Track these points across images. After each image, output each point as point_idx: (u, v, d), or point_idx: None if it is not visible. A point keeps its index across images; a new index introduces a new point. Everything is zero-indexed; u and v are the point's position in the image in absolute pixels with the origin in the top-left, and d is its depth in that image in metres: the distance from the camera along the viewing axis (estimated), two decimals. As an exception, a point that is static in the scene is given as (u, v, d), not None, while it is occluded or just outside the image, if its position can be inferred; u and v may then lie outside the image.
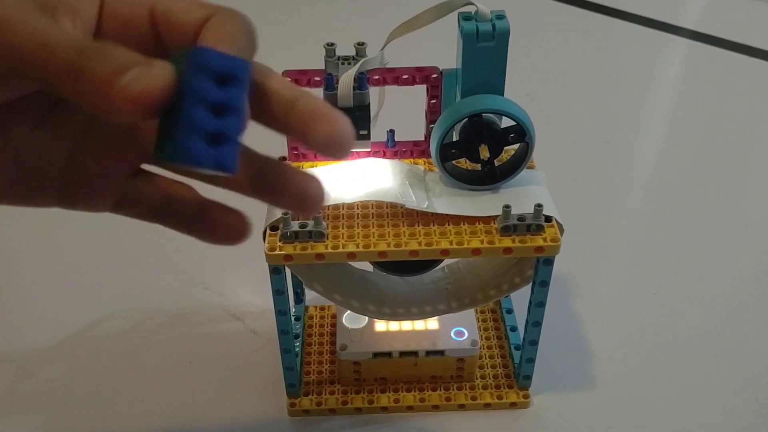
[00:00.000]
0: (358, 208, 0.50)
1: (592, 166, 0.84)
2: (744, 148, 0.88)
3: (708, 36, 1.10)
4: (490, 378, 0.58)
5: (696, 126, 0.92)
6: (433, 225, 0.49)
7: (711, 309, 0.66)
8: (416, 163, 0.53)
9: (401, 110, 0.57)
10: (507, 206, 0.47)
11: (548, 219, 0.48)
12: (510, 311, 0.63)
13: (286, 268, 0.49)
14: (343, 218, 0.49)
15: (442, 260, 0.54)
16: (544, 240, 0.47)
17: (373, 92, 0.51)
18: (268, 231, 0.48)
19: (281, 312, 0.51)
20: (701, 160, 0.85)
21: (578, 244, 0.72)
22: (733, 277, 0.69)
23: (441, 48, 0.57)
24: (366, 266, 0.55)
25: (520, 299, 0.59)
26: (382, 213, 0.50)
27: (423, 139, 0.53)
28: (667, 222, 0.76)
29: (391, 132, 0.53)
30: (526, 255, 0.48)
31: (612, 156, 0.86)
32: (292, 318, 0.62)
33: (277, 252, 0.47)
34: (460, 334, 0.56)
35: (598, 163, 0.85)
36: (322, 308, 0.64)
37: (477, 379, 0.58)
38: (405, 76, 0.50)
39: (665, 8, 1.18)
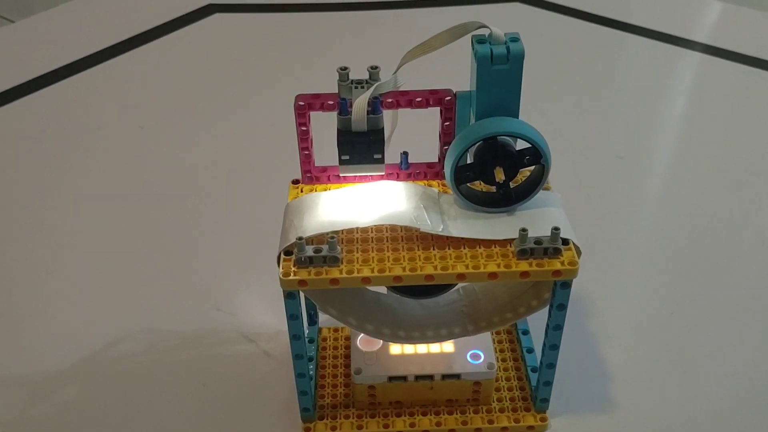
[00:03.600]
0: (372, 232, 0.50)
1: (605, 181, 0.83)
2: (758, 162, 0.87)
3: (721, 50, 1.10)
4: (506, 401, 0.57)
5: (709, 140, 0.91)
6: (449, 248, 0.48)
7: (730, 326, 0.65)
8: (430, 185, 0.53)
9: (414, 132, 0.57)
10: (524, 230, 0.46)
11: (565, 242, 0.47)
12: (526, 332, 0.62)
13: (300, 292, 0.49)
14: (357, 242, 0.49)
15: (457, 283, 0.54)
16: (562, 263, 0.46)
17: (387, 114, 0.51)
18: (282, 256, 0.48)
19: (296, 337, 0.50)
20: (715, 175, 0.84)
21: (593, 263, 0.71)
22: (751, 294, 0.68)
23: (454, 70, 0.57)
24: (380, 288, 0.55)
25: (536, 320, 0.58)
26: (396, 237, 0.49)
27: (437, 160, 0.53)
28: (683, 238, 0.75)
29: (405, 154, 0.53)
30: (544, 279, 0.47)
31: (625, 171, 0.85)
32: (306, 339, 0.62)
33: (291, 277, 0.46)
34: (476, 357, 0.56)
35: (611, 178, 0.84)
36: (336, 330, 0.64)
37: (494, 402, 0.57)
38: (419, 99, 0.49)
39: (677, 22, 1.17)
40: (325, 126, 0.54)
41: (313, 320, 0.63)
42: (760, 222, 0.77)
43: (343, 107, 0.46)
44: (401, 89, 0.49)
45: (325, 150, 0.54)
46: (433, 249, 0.48)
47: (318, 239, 0.48)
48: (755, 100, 0.99)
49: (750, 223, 0.77)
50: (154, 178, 0.86)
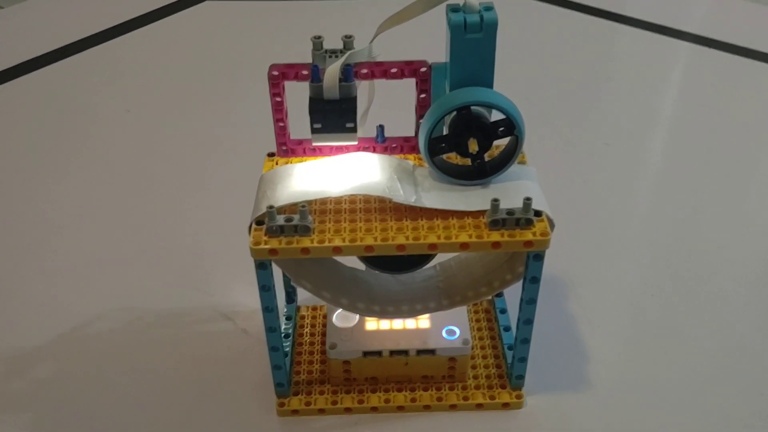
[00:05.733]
0: (345, 203, 0.49)
1: (591, 168, 0.83)
2: (743, 149, 0.87)
3: (711, 39, 1.10)
4: (482, 378, 0.57)
5: (697, 128, 0.91)
6: (422, 219, 0.48)
7: (709, 311, 0.64)
8: (406, 158, 0.52)
9: (392, 105, 0.57)
10: (496, 200, 0.46)
11: (538, 213, 0.47)
12: (504, 311, 0.62)
13: (274, 264, 0.48)
14: (330, 213, 0.49)
15: (433, 257, 0.54)
16: (534, 234, 0.46)
17: (364, 87, 0.51)
18: (253, 225, 0.47)
19: (268, 309, 0.50)
20: (701, 162, 0.84)
21: (576, 245, 0.71)
22: (732, 279, 0.68)
23: (431, 42, 0.57)
24: (359, 265, 0.54)
25: (514, 299, 0.58)
26: (369, 208, 0.49)
27: (413, 134, 0.53)
28: (666, 224, 0.75)
29: (381, 127, 0.52)
30: (515, 249, 0.47)
31: (611, 158, 0.85)
32: (283, 317, 0.62)
33: (262, 246, 0.46)
34: (451, 333, 0.55)
35: (597, 165, 0.84)
36: (314, 308, 0.63)
37: (469, 379, 0.57)
38: (393, 70, 0.49)
39: (668, 13, 1.17)
40: (302, 99, 0.54)
41: (291, 298, 0.63)
42: (743, 207, 0.77)
43: (315, 74, 0.46)
44: (377, 60, 0.49)
45: (303, 123, 0.54)
46: (406, 220, 0.48)
47: (290, 209, 0.48)
48: (743, 89, 0.99)
49: (733, 208, 0.77)
50: (137, 161, 0.85)
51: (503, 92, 0.47)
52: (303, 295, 0.62)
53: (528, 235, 0.46)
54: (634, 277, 0.68)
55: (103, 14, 1.17)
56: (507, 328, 0.60)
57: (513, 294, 0.55)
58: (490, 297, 0.56)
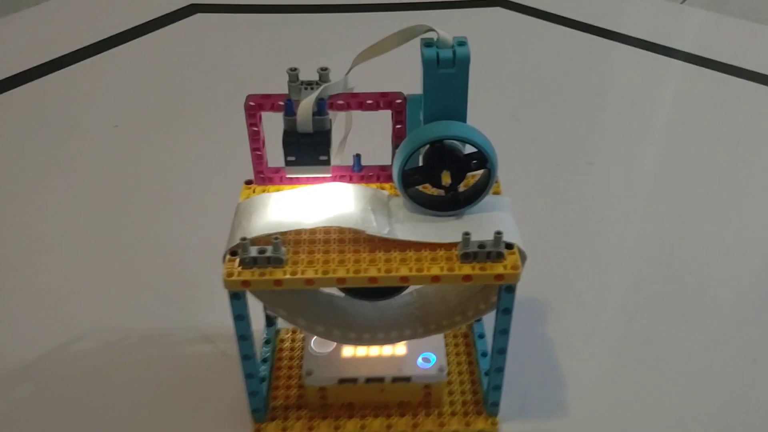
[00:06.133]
0: (320, 233, 0.50)
1: (573, 187, 0.84)
2: (729, 170, 0.87)
3: (701, 58, 1.10)
4: (459, 404, 0.57)
5: (683, 148, 0.91)
6: (395, 251, 0.48)
7: (688, 336, 0.65)
8: (382, 188, 0.53)
9: (370, 134, 0.57)
10: (467, 233, 0.46)
11: (510, 246, 0.48)
12: (482, 336, 0.62)
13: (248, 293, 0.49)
14: (304, 243, 0.49)
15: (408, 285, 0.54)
16: (505, 267, 0.47)
17: (341, 117, 0.51)
18: (227, 256, 0.48)
19: (243, 337, 0.50)
20: (686, 183, 0.85)
21: (555, 269, 0.71)
22: (711, 303, 0.68)
23: (408, 74, 0.57)
24: (338, 291, 0.55)
25: (493, 325, 0.58)
26: (343, 238, 0.49)
27: (390, 163, 0.53)
28: (646, 246, 0.75)
29: (358, 156, 0.53)
30: (486, 282, 0.47)
31: (594, 178, 0.85)
32: (261, 342, 0.62)
33: (235, 278, 0.46)
34: (427, 360, 0.56)
35: (580, 184, 0.84)
36: (294, 331, 0.64)
37: (446, 405, 0.57)
38: (369, 101, 0.50)
39: (659, 30, 1.18)
40: (280, 127, 0.54)
41: (270, 322, 0.63)
42: (724, 229, 0.77)
43: (288, 108, 0.47)
44: (353, 91, 0.49)
45: (280, 151, 0.54)
46: (379, 251, 0.48)
47: (264, 240, 0.48)
48: (732, 109, 0.99)
49: (714, 231, 0.77)
50: (123, 178, 0.86)
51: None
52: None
53: (499, 269, 0.47)
54: (614, 300, 0.69)
55: (95, 27, 1.18)
56: (485, 354, 0.60)
57: (492, 319, 0.55)
58: (464, 326, 0.57)
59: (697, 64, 1.09)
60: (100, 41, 1.14)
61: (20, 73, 1.06)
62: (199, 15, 1.22)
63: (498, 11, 1.23)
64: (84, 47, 1.13)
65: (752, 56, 1.10)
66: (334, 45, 1.09)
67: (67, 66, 1.08)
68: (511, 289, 0.48)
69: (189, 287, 0.70)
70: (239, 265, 0.47)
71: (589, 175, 0.86)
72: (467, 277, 0.47)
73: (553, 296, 0.68)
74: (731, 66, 1.08)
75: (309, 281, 0.47)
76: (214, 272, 0.71)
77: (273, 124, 0.52)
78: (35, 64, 1.08)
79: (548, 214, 0.79)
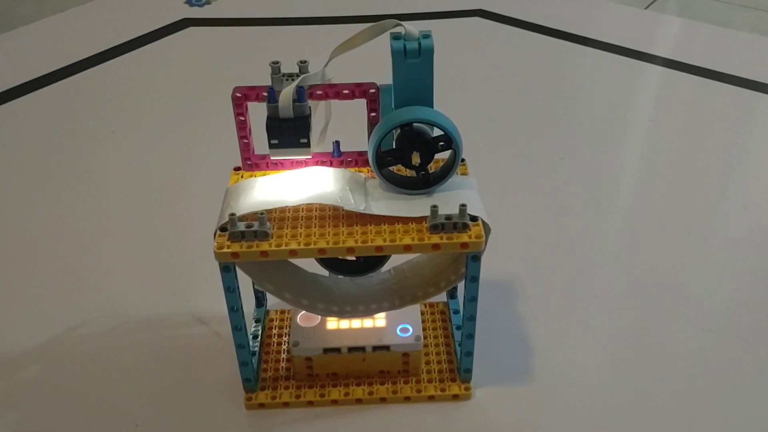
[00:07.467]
0: (302, 211, 0.55)
1: (545, 180, 0.89)
2: (698, 166, 0.92)
3: (673, 61, 1.16)
4: (435, 372, 0.62)
5: (648, 143, 0.97)
6: (370, 225, 0.53)
7: (649, 310, 0.70)
8: (360, 172, 0.58)
9: (348, 122, 0.62)
10: (434, 206, 0.51)
11: (474, 219, 0.52)
12: (457, 311, 0.67)
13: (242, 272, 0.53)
14: (288, 220, 0.54)
15: (386, 260, 0.59)
16: (469, 237, 0.51)
17: (322, 107, 0.56)
18: (218, 232, 0.52)
19: (233, 308, 0.55)
20: (647, 175, 0.90)
21: (528, 253, 0.76)
22: (673, 281, 0.73)
23: (381, 66, 0.62)
24: (323, 271, 0.60)
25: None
26: (324, 215, 0.54)
27: (366, 149, 0.58)
28: (611, 229, 0.80)
29: (337, 143, 0.58)
30: (453, 250, 0.52)
31: (564, 171, 0.90)
32: (253, 320, 0.67)
33: (225, 250, 0.51)
34: (405, 330, 0.60)
35: (552, 177, 0.89)
36: (282, 312, 0.68)
37: (423, 373, 0.62)
38: (345, 91, 0.55)
39: (632, 35, 1.23)
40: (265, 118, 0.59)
41: (260, 302, 0.68)
42: (683, 218, 0.83)
43: (271, 96, 0.52)
44: (331, 82, 0.54)
45: (266, 140, 0.59)
46: (356, 225, 0.53)
47: (251, 217, 0.53)
48: (699, 106, 1.05)
49: (676, 219, 0.82)
50: (120, 178, 0.90)
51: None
52: (272, 300, 0.67)
53: (464, 238, 0.51)
54: (581, 279, 0.74)
55: (91, 41, 1.23)
56: (459, 327, 0.65)
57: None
58: (437, 296, 0.61)
59: (664, 66, 1.15)
60: (98, 53, 1.20)
61: (25, 83, 1.12)
62: (191, 28, 1.28)
63: (477, 21, 1.29)
64: (83, 59, 1.18)
65: (721, 58, 1.16)
66: (320, 54, 1.15)
67: (68, 76, 1.14)
68: (476, 258, 0.53)
69: (183, 275, 0.75)
70: (228, 239, 0.52)
71: (559, 169, 0.91)
72: (436, 246, 0.51)
73: (523, 276, 0.73)
74: (696, 67, 1.14)
75: (293, 252, 0.51)
76: (205, 262, 0.75)
77: (258, 116, 0.57)
78: (39, 75, 1.13)
79: (521, 204, 0.84)
